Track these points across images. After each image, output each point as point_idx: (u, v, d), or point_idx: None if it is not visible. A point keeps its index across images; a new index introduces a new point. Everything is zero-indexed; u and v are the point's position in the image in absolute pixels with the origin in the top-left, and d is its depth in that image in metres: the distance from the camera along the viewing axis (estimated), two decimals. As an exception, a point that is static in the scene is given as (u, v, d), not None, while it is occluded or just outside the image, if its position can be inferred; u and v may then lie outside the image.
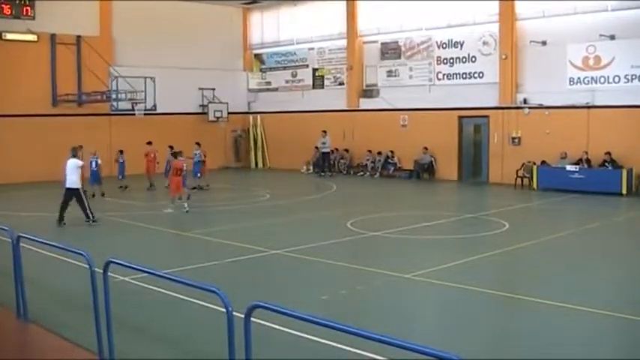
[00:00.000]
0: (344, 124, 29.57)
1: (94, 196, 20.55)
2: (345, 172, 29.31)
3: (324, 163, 28.93)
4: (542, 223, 16.73)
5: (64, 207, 16.24)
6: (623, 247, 13.74)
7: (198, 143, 23.90)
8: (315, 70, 31.98)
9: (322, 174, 28.50)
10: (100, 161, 21.38)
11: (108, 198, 21.23)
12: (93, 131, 28.00)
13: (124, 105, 27.19)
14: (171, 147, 21.54)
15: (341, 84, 30.73)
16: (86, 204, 16.35)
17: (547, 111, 23.63)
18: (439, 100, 26.62)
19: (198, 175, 23.26)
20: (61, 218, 16.23)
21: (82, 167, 16.54)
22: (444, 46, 26.81)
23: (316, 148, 29.31)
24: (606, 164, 21.53)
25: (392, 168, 28.03)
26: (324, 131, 28.57)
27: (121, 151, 23.84)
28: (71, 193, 16.16)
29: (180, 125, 30.24)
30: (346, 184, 26.22)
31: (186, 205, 18.37)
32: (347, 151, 29.69)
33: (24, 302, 8.31)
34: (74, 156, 16.48)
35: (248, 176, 30.85)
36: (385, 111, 28.49)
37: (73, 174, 16.10)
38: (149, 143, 24.20)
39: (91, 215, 16.32)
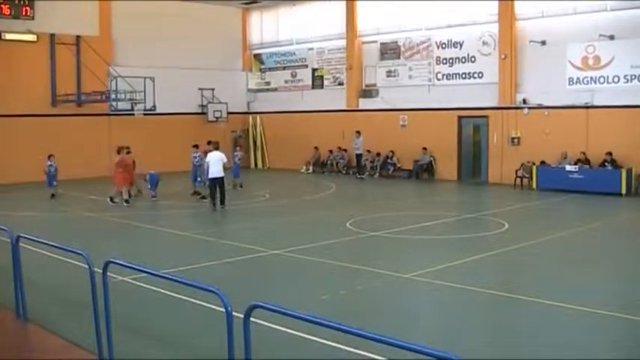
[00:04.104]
0: (343, 124, 29.56)
1: (53, 196, 21.21)
2: (344, 172, 29.29)
3: (358, 165, 28.32)
4: (542, 223, 16.71)
5: (213, 194, 18.75)
6: (623, 248, 13.73)
7: (196, 145, 23.31)
8: (314, 70, 31.97)
9: (360, 176, 27.74)
10: (56, 165, 21.59)
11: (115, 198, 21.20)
12: (92, 131, 28.04)
13: (124, 105, 27.18)
14: (195, 146, 22.28)
15: (340, 84, 30.72)
16: (225, 192, 18.81)
17: (546, 111, 23.64)
18: (439, 100, 26.62)
19: (199, 179, 22.49)
20: (213, 203, 18.74)
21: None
22: (444, 46, 26.81)
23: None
24: (606, 164, 21.53)
25: (391, 168, 28.03)
26: (358, 132, 28.09)
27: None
28: (216, 182, 18.55)
29: (179, 125, 30.24)
30: (346, 184, 26.22)
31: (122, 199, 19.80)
32: (346, 151, 29.67)
33: (23, 302, 8.31)
34: (216, 149, 19.02)
35: (247, 176, 30.73)
36: (384, 111, 28.49)
37: (217, 165, 18.47)
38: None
39: (225, 202, 18.72)
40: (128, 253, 11.27)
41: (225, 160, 18.82)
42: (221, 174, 18.60)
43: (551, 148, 22.92)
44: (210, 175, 18.60)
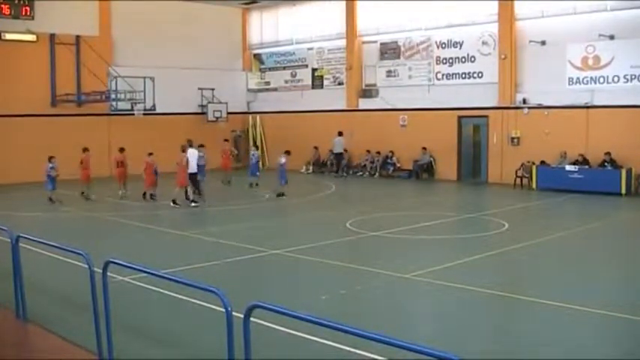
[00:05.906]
0: (343, 124, 29.54)
1: (50, 199, 20.11)
2: (344, 172, 29.29)
3: (337, 164, 29.09)
4: (542, 223, 16.72)
5: (198, 188, 20.01)
6: (623, 247, 13.74)
7: (202, 145, 22.81)
8: (314, 70, 31.98)
9: (336, 174, 28.56)
10: (57, 168, 20.32)
11: (118, 198, 21.17)
12: (92, 131, 28.01)
13: (124, 105, 27.20)
14: (227, 140, 25.16)
15: (340, 84, 30.73)
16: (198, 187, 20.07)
17: (546, 111, 23.64)
18: (438, 100, 26.63)
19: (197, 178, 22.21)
20: (200, 194, 20.07)
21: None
22: (444, 46, 26.81)
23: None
24: (606, 164, 21.53)
25: (391, 168, 28.03)
26: (339, 132, 28.66)
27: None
28: (194, 176, 19.70)
29: (179, 125, 30.21)
30: (345, 184, 26.22)
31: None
32: (346, 151, 29.63)
33: (23, 302, 8.31)
34: (191, 146, 20.10)
35: (247, 176, 30.74)
36: (384, 111, 28.50)
37: (195, 161, 19.66)
38: (226, 140, 27.12)
39: (197, 198, 19.64)
40: (128, 253, 11.26)
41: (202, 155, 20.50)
42: (196, 170, 19.88)
43: (551, 148, 22.92)
44: (190, 171, 19.52)
